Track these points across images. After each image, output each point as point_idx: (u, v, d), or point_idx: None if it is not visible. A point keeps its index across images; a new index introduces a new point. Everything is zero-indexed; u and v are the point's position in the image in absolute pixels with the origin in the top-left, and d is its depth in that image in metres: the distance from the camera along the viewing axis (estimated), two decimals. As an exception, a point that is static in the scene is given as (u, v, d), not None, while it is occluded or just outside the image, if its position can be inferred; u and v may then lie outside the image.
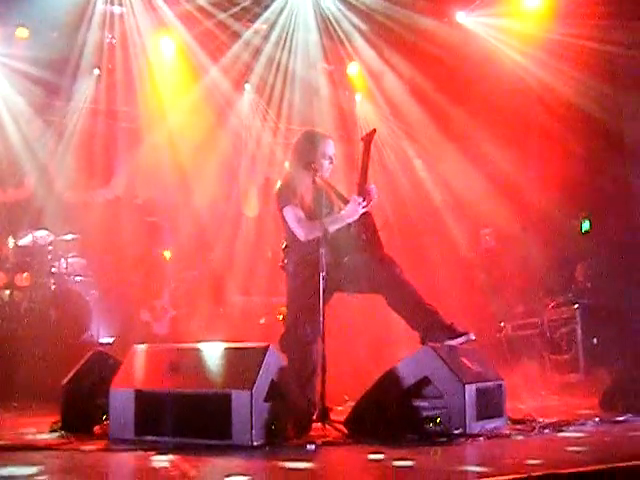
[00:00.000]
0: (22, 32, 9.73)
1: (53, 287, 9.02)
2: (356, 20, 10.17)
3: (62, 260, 9.28)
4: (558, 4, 9.10)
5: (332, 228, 5.06)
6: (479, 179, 9.81)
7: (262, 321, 9.27)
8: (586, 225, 9.51)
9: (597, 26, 8.54)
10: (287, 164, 5.49)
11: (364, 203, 5.09)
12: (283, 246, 5.37)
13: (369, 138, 5.32)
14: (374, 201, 5.21)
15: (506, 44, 9.69)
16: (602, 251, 8.84)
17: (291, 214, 5.19)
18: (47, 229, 9.25)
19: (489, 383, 4.75)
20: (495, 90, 9.37)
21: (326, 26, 10.30)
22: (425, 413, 4.29)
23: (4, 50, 9.83)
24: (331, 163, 5.38)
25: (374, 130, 5.41)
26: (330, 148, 5.39)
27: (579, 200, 9.24)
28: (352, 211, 5.09)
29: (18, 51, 9.78)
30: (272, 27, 10.37)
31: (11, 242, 8.99)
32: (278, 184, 5.40)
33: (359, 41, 10.42)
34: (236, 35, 10.28)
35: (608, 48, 8.56)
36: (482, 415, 4.47)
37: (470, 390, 4.35)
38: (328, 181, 5.41)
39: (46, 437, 4.39)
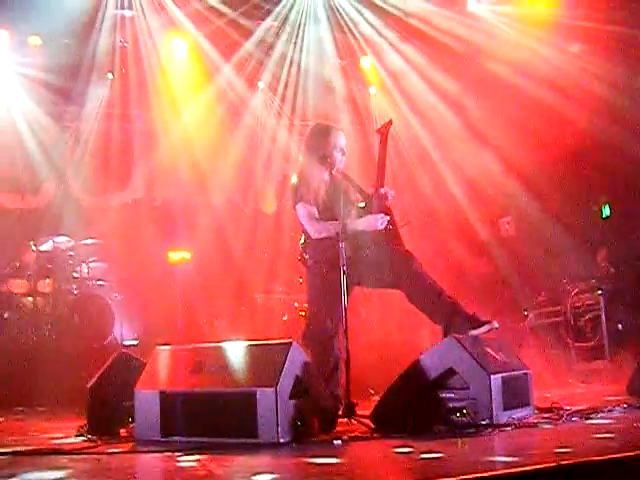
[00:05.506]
0: (35, 40, 9.78)
1: (75, 292, 9.07)
2: (367, 13, 10.13)
3: (83, 265, 9.33)
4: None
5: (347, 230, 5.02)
6: (497, 167, 9.74)
7: (285, 318, 9.27)
8: (606, 210, 9.43)
9: (609, 8, 8.46)
10: (300, 158, 5.44)
11: (386, 220, 5.06)
12: (301, 241, 5.33)
13: (385, 130, 5.27)
14: (390, 200, 5.17)
15: (519, 30, 9.59)
16: (623, 236, 8.75)
17: (303, 211, 5.17)
18: (67, 234, 9.30)
19: (515, 372, 4.71)
20: (512, 79, 9.28)
21: (337, 20, 10.27)
22: (451, 404, 4.24)
23: (18, 58, 9.88)
24: (343, 155, 5.32)
25: (390, 121, 5.35)
26: (341, 140, 5.33)
27: (599, 185, 9.16)
28: (370, 224, 5.06)
29: (32, 59, 9.84)
30: (283, 23, 10.36)
31: (32, 249, 9.05)
32: (293, 179, 5.36)
33: (371, 34, 10.37)
34: (248, 33, 10.27)
35: (622, 30, 8.47)
36: (509, 405, 4.43)
37: (496, 380, 4.32)
38: (346, 173, 5.37)
39: (72, 441, 4.40)
